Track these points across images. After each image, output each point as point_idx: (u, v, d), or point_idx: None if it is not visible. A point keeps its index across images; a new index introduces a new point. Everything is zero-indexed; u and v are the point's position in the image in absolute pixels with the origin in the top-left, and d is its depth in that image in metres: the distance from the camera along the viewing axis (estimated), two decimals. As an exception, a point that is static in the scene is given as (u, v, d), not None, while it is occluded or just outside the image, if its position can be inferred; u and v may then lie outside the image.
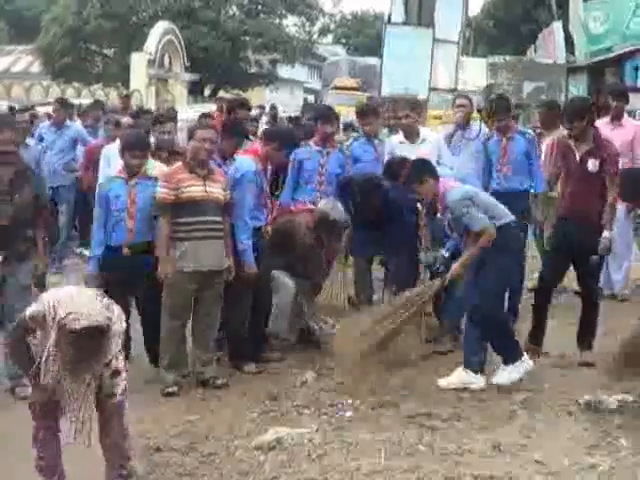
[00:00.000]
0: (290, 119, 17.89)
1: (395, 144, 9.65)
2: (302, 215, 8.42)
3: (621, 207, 9.19)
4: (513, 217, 7.34)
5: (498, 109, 9.26)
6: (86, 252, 11.80)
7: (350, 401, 7.00)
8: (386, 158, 9.24)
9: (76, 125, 13.49)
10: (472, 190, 7.43)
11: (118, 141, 8.64)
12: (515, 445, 6.04)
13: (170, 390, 7.20)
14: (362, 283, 9.20)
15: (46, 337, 4.75)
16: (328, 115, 9.34)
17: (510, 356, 7.30)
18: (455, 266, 7.35)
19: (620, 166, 8.16)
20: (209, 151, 7.32)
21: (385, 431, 6.33)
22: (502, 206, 7.39)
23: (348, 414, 6.74)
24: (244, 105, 9.54)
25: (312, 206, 8.53)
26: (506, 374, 7.27)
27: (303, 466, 5.73)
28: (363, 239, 8.77)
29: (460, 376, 7.32)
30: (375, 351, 7.45)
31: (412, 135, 9.55)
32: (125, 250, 7.41)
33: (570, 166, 8.03)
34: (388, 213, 8.34)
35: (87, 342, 4.60)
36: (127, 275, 7.34)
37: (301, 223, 8.30)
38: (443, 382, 7.31)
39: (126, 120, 11.63)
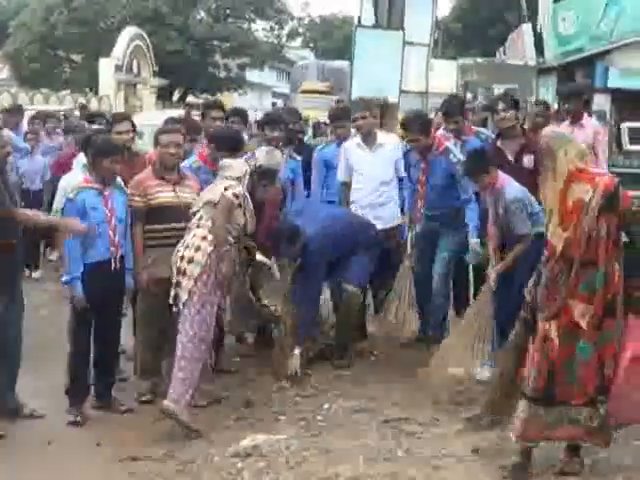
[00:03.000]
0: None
1: (351, 148, 8.81)
2: None
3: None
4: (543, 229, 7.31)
5: (449, 109, 8.84)
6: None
7: (327, 406, 6.98)
8: (342, 162, 8.80)
9: None
10: (526, 191, 7.31)
11: None
12: (494, 448, 6.00)
13: (145, 398, 7.13)
14: None
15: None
16: (274, 121, 9.13)
17: None
18: (499, 267, 7.31)
19: None
20: (175, 155, 7.20)
21: (363, 437, 6.31)
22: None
23: (325, 420, 6.71)
24: (218, 107, 9.45)
25: None
26: None
27: (281, 473, 5.70)
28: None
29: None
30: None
31: (368, 139, 8.78)
32: (116, 265, 6.88)
33: (503, 166, 7.79)
34: None
35: None
36: (113, 292, 6.96)
37: None
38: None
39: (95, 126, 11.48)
